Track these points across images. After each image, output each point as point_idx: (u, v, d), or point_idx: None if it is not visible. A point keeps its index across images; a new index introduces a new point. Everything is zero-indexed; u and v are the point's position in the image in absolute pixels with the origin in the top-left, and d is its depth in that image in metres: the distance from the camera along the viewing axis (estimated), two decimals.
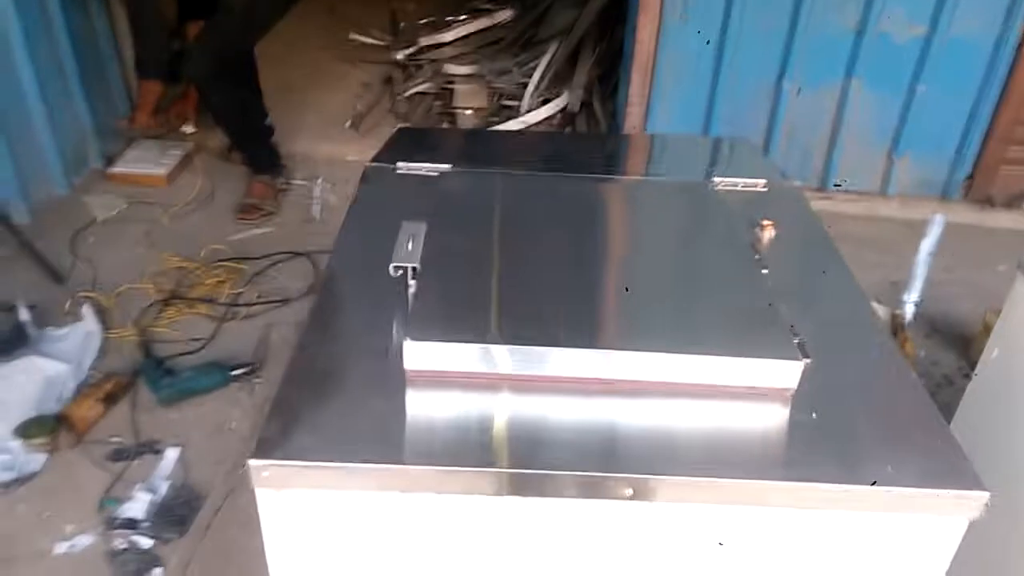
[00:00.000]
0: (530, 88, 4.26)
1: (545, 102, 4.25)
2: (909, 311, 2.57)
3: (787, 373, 1.06)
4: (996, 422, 1.63)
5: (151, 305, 2.85)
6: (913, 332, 2.89)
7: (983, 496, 0.96)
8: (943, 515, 0.99)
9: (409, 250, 1.26)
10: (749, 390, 1.08)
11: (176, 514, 2.10)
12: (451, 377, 1.08)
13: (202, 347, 2.68)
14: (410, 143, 1.89)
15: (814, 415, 1.06)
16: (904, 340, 2.52)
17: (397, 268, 1.23)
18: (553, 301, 1.18)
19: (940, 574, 1.03)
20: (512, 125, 4.14)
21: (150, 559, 2.00)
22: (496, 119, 4.25)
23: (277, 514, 1.00)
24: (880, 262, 3.56)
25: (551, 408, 1.07)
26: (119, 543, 2.02)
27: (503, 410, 1.07)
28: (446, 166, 1.60)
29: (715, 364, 1.08)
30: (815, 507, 0.99)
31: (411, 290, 1.20)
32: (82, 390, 2.44)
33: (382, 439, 1.01)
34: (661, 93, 3.66)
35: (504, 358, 1.07)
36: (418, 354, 1.06)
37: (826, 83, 3.58)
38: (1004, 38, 3.37)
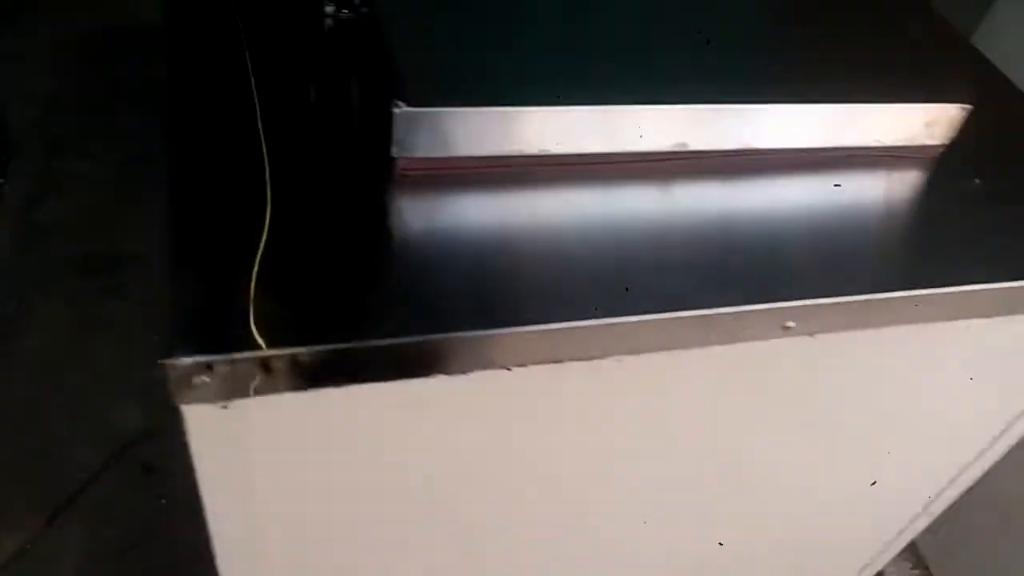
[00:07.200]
0: None
1: None
2: None
3: (946, 121, 0.73)
4: None
5: None
6: None
7: None
8: None
9: None
10: (888, 152, 0.74)
11: None
12: (462, 166, 0.64)
13: None
14: None
15: (977, 181, 0.75)
16: None
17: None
18: (603, 48, 0.73)
19: None
20: None
21: None
22: None
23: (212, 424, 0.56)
24: None
25: (623, 206, 0.67)
26: None
27: (551, 214, 0.66)
28: None
29: (860, 114, 0.72)
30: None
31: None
32: None
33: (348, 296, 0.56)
34: None
35: (544, 128, 0.64)
36: (414, 132, 0.61)
37: None
38: None
